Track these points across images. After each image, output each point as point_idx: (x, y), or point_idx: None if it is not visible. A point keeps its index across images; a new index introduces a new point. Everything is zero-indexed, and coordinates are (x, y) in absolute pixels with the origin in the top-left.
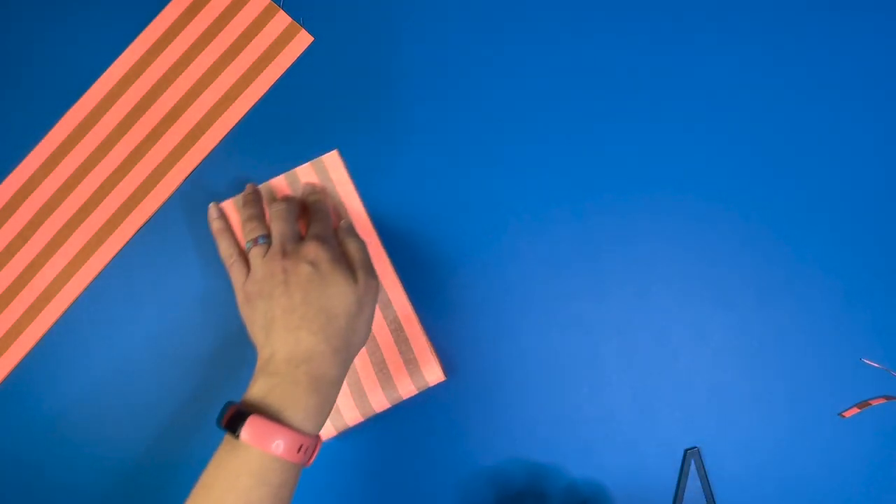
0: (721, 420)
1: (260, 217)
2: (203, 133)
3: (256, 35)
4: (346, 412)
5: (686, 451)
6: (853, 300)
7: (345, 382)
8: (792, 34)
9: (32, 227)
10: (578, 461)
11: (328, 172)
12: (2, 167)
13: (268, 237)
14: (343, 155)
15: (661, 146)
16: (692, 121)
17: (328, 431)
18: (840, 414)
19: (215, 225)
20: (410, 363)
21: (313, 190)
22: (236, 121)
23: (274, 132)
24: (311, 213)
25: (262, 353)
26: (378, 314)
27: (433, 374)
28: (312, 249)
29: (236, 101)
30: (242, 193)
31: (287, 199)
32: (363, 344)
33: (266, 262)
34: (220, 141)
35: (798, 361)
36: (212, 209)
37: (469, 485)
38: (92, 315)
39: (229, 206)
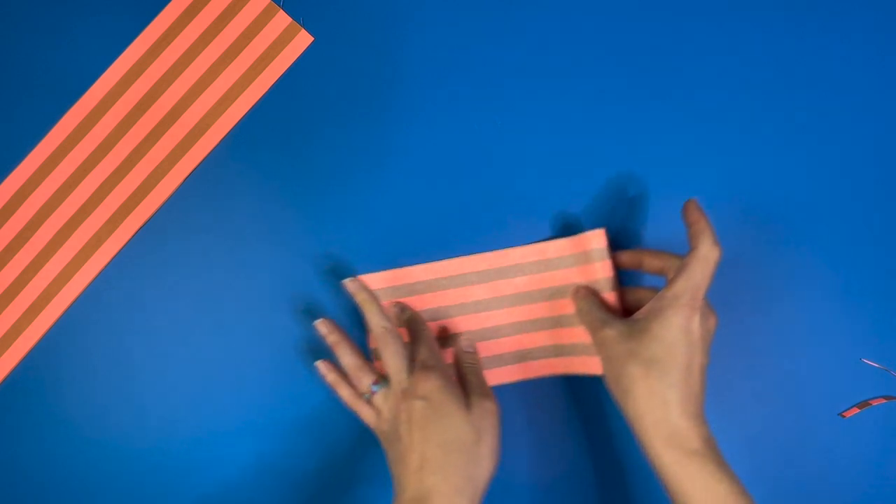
0: (721, 420)
1: (363, 365)
2: (203, 133)
3: (256, 35)
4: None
5: None
6: (853, 300)
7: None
8: (786, 32)
9: (32, 227)
10: (579, 461)
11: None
12: (2, 167)
13: (379, 381)
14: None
15: (660, 145)
16: (692, 120)
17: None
18: (840, 414)
19: (329, 379)
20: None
21: (401, 307)
22: (236, 121)
23: (274, 132)
24: (410, 334)
25: (395, 490)
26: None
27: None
28: (422, 383)
29: (236, 101)
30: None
31: (388, 328)
32: (491, 473)
33: (390, 406)
34: (220, 141)
35: (798, 361)
36: (321, 366)
37: None
38: (92, 315)
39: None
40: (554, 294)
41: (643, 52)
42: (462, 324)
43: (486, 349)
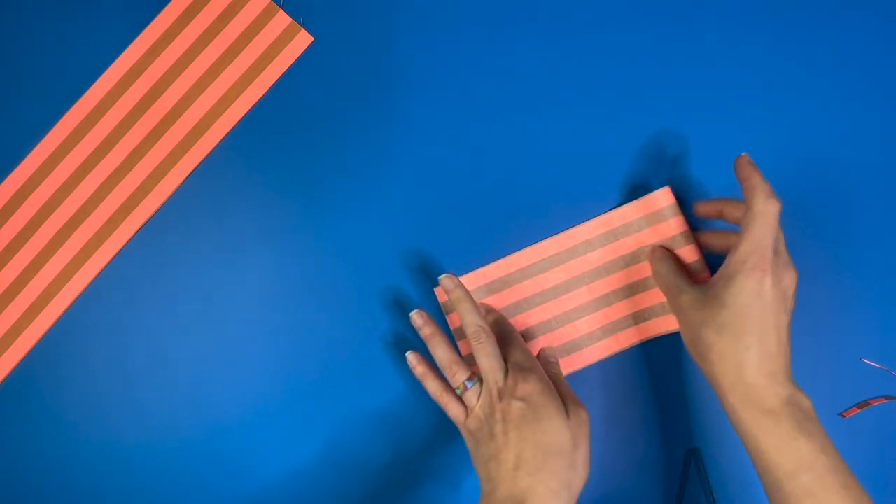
0: (721, 420)
1: (458, 360)
2: (203, 133)
3: (256, 35)
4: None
5: (686, 451)
6: (853, 300)
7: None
8: (787, 30)
9: (32, 227)
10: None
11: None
12: (2, 167)
13: (473, 377)
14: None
15: (660, 144)
16: (692, 119)
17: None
18: (840, 414)
19: (419, 370)
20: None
21: (487, 309)
22: (236, 121)
23: (274, 132)
24: (499, 336)
25: (484, 487)
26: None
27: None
28: (521, 385)
29: (236, 101)
30: (422, 321)
31: (483, 327)
32: (584, 482)
33: (482, 404)
34: (220, 141)
35: (798, 361)
36: (411, 357)
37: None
38: (92, 315)
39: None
40: (629, 261)
41: (641, 51)
42: (546, 311)
43: (574, 331)
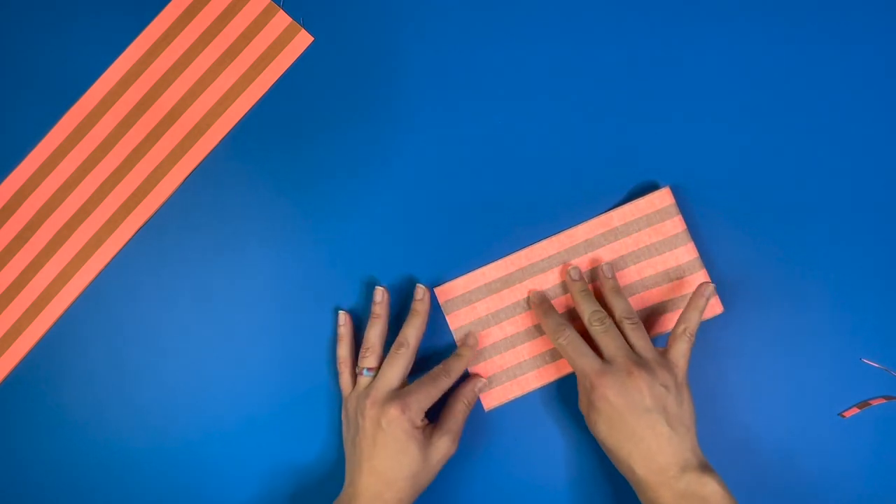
0: (721, 420)
1: (378, 351)
2: (203, 133)
3: (256, 35)
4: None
5: None
6: (853, 300)
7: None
8: (788, 27)
9: (32, 227)
10: (582, 462)
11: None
12: (2, 167)
13: (374, 370)
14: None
15: (659, 144)
16: (691, 119)
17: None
18: (840, 414)
19: (341, 331)
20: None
21: (468, 344)
22: (236, 121)
23: (274, 132)
24: (441, 367)
25: (346, 478)
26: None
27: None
28: (392, 413)
29: (236, 101)
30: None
31: (408, 346)
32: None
33: (363, 394)
34: (220, 141)
35: (798, 361)
36: (341, 315)
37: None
38: (92, 315)
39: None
40: (630, 260)
41: (642, 50)
42: None
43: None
